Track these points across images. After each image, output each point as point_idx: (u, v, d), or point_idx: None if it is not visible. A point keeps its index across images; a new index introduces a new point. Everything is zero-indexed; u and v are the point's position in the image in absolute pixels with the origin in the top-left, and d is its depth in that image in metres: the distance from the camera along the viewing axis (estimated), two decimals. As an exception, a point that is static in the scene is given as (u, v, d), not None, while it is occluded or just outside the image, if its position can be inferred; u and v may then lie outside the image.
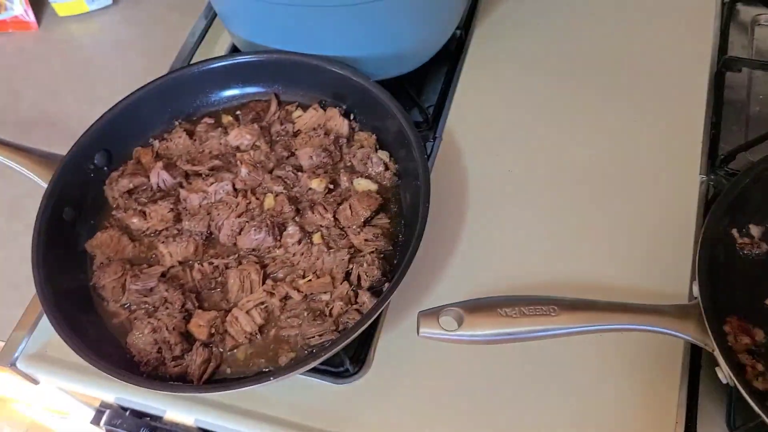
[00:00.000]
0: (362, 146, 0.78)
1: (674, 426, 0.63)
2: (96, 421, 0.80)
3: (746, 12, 0.90)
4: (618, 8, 0.92)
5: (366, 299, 0.67)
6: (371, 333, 0.71)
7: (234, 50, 0.95)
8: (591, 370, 0.67)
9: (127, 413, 0.78)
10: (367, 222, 0.73)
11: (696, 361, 0.66)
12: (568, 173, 0.80)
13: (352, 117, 0.81)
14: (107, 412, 0.77)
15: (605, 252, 0.74)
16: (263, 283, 0.70)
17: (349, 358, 0.69)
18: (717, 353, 0.57)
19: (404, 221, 0.74)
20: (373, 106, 0.78)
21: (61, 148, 0.79)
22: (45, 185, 0.75)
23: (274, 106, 0.83)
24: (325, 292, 0.69)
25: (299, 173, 0.77)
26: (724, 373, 0.57)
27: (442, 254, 0.76)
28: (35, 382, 0.76)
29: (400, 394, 0.68)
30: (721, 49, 0.85)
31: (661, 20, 0.90)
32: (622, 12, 0.92)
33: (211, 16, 1.00)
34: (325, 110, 0.81)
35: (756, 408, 0.54)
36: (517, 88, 0.87)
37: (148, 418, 0.78)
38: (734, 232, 0.68)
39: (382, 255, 0.71)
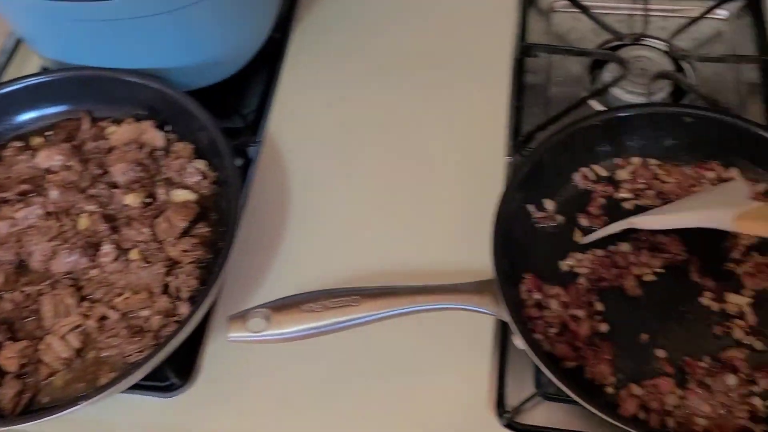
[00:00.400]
0: (179, 157, 0.78)
1: (487, 394, 0.67)
2: None
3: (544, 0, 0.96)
4: (428, 1, 0.96)
5: (185, 309, 0.67)
6: (197, 342, 0.71)
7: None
8: (415, 352, 0.70)
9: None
10: (185, 232, 0.73)
11: (505, 331, 0.70)
12: (387, 166, 0.82)
13: (168, 129, 0.81)
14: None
15: (424, 238, 0.77)
16: (79, 306, 0.69)
17: (175, 370, 0.68)
18: (510, 323, 0.61)
19: (224, 228, 0.74)
20: (185, 117, 0.77)
21: None
22: None
23: (86, 124, 0.81)
24: (144, 308, 0.68)
25: (114, 190, 0.75)
26: (520, 341, 0.61)
27: (267, 256, 0.77)
28: None
29: (232, 400, 0.69)
30: (520, 36, 0.90)
31: (467, 11, 0.94)
32: (432, 4, 0.96)
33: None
34: (139, 124, 0.80)
35: (548, 373, 0.58)
36: (337, 86, 0.89)
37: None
38: (530, 207, 0.72)
39: (203, 264, 0.71)
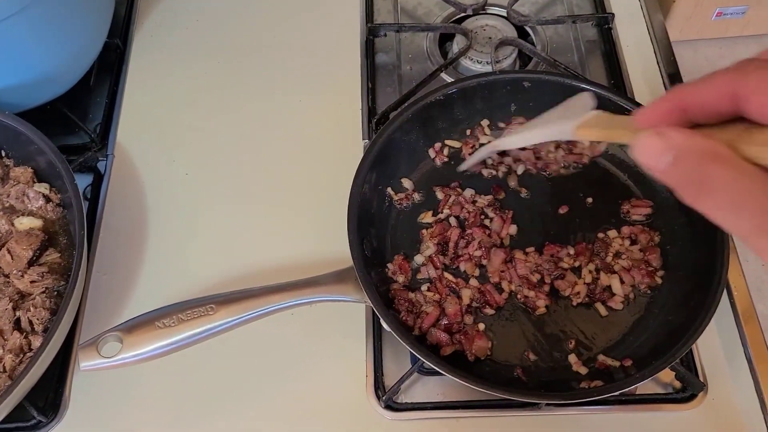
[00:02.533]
0: (18, 182, 0.73)
1: (365, 378, 0.67)
2: None
3: (386, -22, 0.96)
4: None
5: (39, 343, 0.64)
6: (63, 374, 0.68)
7: None
8: (292, 346, 0.70)
9: None
10: (32, 262, 0.69)
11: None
12: (245, 163, 0.81)
13: (3, 154, 0.76)
14: None
15: (289, 233, 0.76)
16: (-76, 356, 0.64)
17: (38, 407, 0.65)
18: (373, 307, 0.61)
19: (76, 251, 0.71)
20: (19, 139, 0.73)
21: None
22: None
23: None
24: (-5, 348, 0.64)
25: (-50, 227, 0.70)
26: (384, 323, 0.61)
27: (129, 274, 0.74)
28: None
29: (107, 427, 0.66)
30: (367, 17, 0.90)
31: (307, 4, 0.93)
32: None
33: None
34: (-31, 153, 0.75)
35: (417, 352, 0.59)
36: (184, 88, 0.87)
37: None
38: (389, 189, 0.72)
39: (56, 292, 0.68)
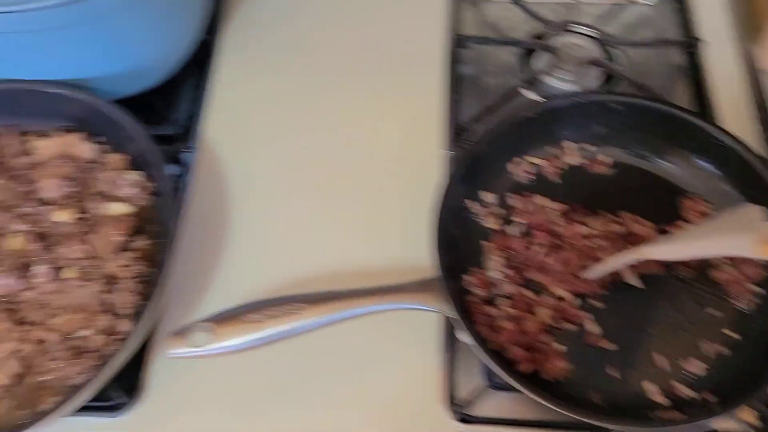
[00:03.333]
0: (111, 169, 0.76)
1: (438, 389, 0.68)
2: None
3: (475, -10, 0.96)
4: (359, -2, 0.96)
5: (126, 327, 0.66)
6: (140, 359, 0.70)
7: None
8: (365, 351, 0.70)
9: None
10: (123, 247, 0.71)
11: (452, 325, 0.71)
12: (327, 166, 0.82)
13: (99, 140, 0.78)
14: None
15: (366, 237, 0.77)
16: (16, 330, 0.66)
17: (120, 388, 0.67)
18: (456, 319, 0.62)
19: (166, 240, 0.73)
20: (115, 126, 0.75)
21: None
22: None
23: (8, 139, 0.78)
24: (84, 328, 0.66)
25: (44, 207, 0.73)
26: (466, 336, 0.62)
27: (211, 266, 0.75)
28: None
29: (181, 415, 0.68)
30: (453, 28, 0.91)
31: (399, 3, 0.94)
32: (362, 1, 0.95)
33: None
34: (66, 136, 0.77)
35: (494, 367, 0.59)
36: (272, 87, 0.88)
37: None
38: (470, 201, 0.73)
39: (144, 279, 0.70)
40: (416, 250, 0.74)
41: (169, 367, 0.70)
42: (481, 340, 0.62)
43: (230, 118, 0.86)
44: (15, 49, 0.74)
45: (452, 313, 0.62)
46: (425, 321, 0.71)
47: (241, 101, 0.87)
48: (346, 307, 0.60)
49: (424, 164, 0.81)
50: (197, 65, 0.89)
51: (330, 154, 0.83)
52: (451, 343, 0.70)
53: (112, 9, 0.71)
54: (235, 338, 0.58)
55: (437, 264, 0.64)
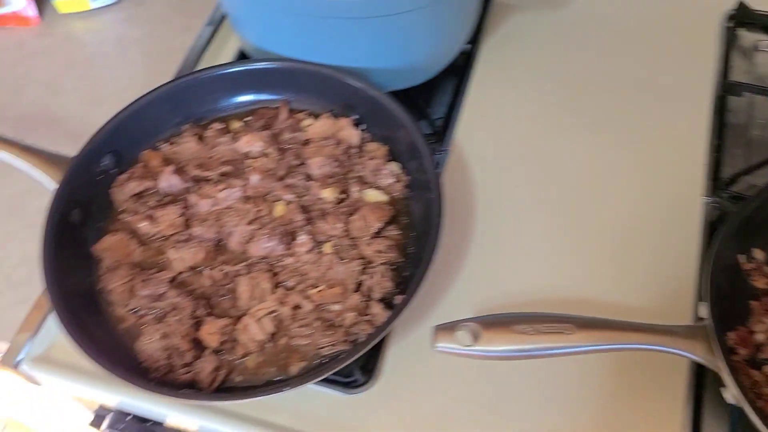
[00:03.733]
0: (373, 157, 0.79)
1: (679, 443, 0.64)
2: (95, 424, 0.79)
3: (747, 38, 0.92)
4: (623, 29, 0.94)
5: (378, 311, 0.68)
6: (380, 344, 0.71)
7: (241, 57, 0.94)
8: (596, 388, 0.68)
9: (128, 418, 0.77)
10: (378, 233, 0.73)
11: (700, 380, 0.67)
12: (575, 190, 0.81)
13: (362, 127, 0.82)
14: (109, 415, 0.77)
15: (609, 271, 0.75)
16: (274, 291, 0.70)
17: (359, 368, 0.69)
18: (725, 374, 0.59)
19: (414, 233, 0.75)
20: (384, 117, 0.78)
21: (63, 146, 0.79)
22: (52, 186, 0.74)
23: (284, 114, 0.83)
24: (336, 303, 0.69)
25: (310, 182, 0.77)
26: (732, 393, 0.58)
27: (449, 267, 0.76)
28: (37, 383, 0.75)
29: (407, 406, 0.69)
30: (722, 73, 0.87)
31: (668, 44, 0.92)
32: (628, 33, 0.94)
33: (217, 22, 1.00)
34: (336, 120, 0.81)
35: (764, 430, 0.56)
36: (526, 102, 0.89)
37: (150, 423, 0.77)
38: (739, 255, 0.69)
39: (393, 267, 0.72)
40: (664, 294, 0.72)
41: (405, 356, 0.71)
42: (752, 402, 0.58)
43: (482, 127, 0.87)
44: (303, 31, 0.79)
45: (723, 368, 0.59)
46: (672, 366, 0.68)
47: (494, 112, 0.88)
48: (615, 339, 0.59)
49: (680, 208, 0.78)
50: (455, 71, 0.91)
51: (579, 181, 0.82)
52: (697, 396, 0.66)
53: (408, 8, 0.74)
54: (501, 345, 0.58)
55: (709, 314, 0.61)
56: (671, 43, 0.92)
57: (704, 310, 0.62)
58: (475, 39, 0.94)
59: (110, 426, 0.76)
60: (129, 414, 0.77)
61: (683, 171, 0.81)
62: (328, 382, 0.69)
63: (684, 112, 0.85)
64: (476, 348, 0.58)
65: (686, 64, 0.89)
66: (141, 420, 0.77)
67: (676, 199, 0.79)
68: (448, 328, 0.59)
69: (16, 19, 1.05)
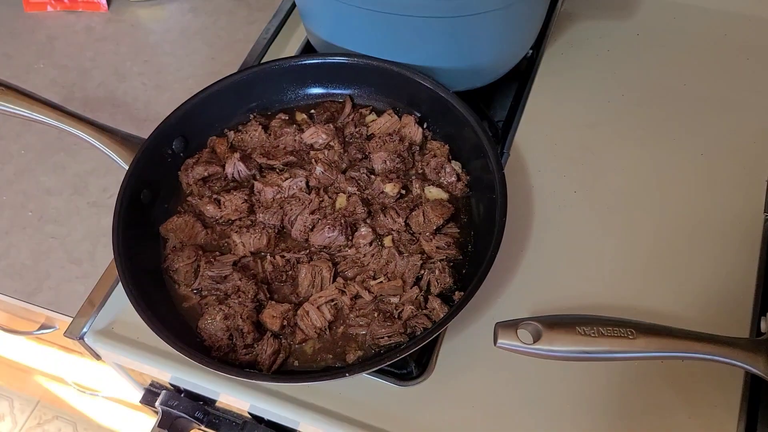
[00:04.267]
0: (435, 155, 0.80)
1: (733, 457, 0.64)
2: (148, 401, 0.81)
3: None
4: (688, 41, 0.94)
5: (436, 305, 0.69)
6: (435, 338, 0.72)
7: (306, 50, 0.96)
8: (649, 395, 0.69)
9: (182, 395, 0.79)
10: (438, 230, 0.74)
11: (754, 394, 0.67)
12: (632, 200, 0.81)
13: (425, 125, 0.83)
14: (163, 392, 0.79)
15: (664, 280, 0.75)
16: (334, 280, 0.72)
17: (413, 360, 0.70)
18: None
19: (474, 232, 0.75)
20: (448, 116, 0.79)
21: (128, 129, 0.81)
22: (124, 165, 0.76)
23: (348, 108, 0.84)
24: (394, 295, 0.70)
25: (372, 176, 0.78)
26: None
27: (505, 267, 0.77)
28: (97, 357, 0.77)
29: (458, 401, 0.70)
30: (788, 92, 0.87)
31: (730, 57, 0.92)
32: (692, 45, 0.94)
33: (284, 15, 1.02)
34: (399, 117, 0.82)
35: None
36: (586, 110, 0.89)
37: (202, 402, 0.79)
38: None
39: (451, 263, 0.73)
40: (722, 306, 0.72)
41: (458, 351, 0.72)
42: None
43: (542, 132, 0.87)
44: (371, 28, 0.80)
45: (783, 383, 0.59)
46: (727, 381, 0.68)
47: (554, 118, 0.88)
48: (677, 347, 0.59)
49: (740, 223, 0.78)
50: (517, 75, 0.92)
51: (637, 191, 0.82)
52: (751, 410, 0.66)
53: (490, 9, 0.75)
54: (563, 345, 0.59)
55: (772, 328, 0.61)
56: (736, 57, 0.92)
57: (766, 325, 0.62)
58: (538, 45, 0.94)
59: (163, 402, 0.78)
60: (182, 391, 0.79)
61: (745, 187, 0.81)
62: (382, 372, 0.70)
63: (746, 128, 0.85)
64: (538, 347, 0.59)
65: (752, 79, 0.89)
66: (193, 398, 0.79)
67: (737, 214, 0.79)
68: (510, 326, 0.60)
69: (86, 3, 1.08)
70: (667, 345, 0.59)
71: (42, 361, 1.27)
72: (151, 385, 0.84)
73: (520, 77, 0.92)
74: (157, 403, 0.78)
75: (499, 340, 0.60)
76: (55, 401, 1.54)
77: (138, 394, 0.84)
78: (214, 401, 0.79)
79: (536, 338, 0.59)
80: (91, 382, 1.21)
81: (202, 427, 0.80)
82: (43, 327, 0.98)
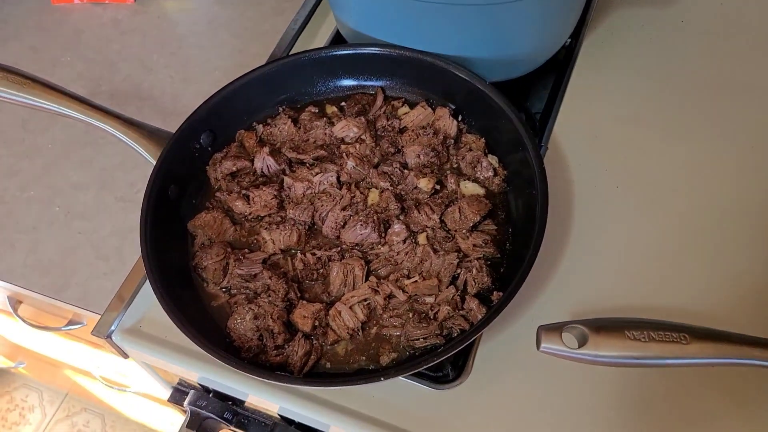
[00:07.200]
0: (471, 149, 0.77)
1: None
2: (176, 399, 0.80)
3: None
4: (732, 29, 0.90)
5: (474, 306, 0.66)
6: (472, 343, 0.69)
7: (336, 41, 0.94)
8: (701, 402, 0.65)
9: (210, 395, 0.77)
10: (474, 227, 0.71)
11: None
12: (678, 195, 0.78)
13: (460, 118, 0.80)
14: (191, 392, 0.77)
15: (716, 281, 0.72)
16: (366, 279, 0.69)
17: (449, 363, 0.67)
18: None
19: (512, 229, 0.72)
20: (484, 108, 0.76)
21: (153, 122, 0.79)
22: (151, 160, 0.74)
23: (380, 101, 0.81)
24: (430, 295, 0.68)
25: (405, 171, 0.76)
26: None
27: (545, 266, 0.74)
28: (124, 355, 0.76)
29: (497, 406, 0.67)
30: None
31: None
32: (736, 34, 0.89)
33: (313, 5, 0.99)
34: (433, 109, 0.79)
35: None
36: (627, 101, 0.85)
37: (230, 402, 0.77)
38: None
39: (488, 262, 0.70)
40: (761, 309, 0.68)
41: (496, 353, 0.69)
42: None
43: (581, 124, 0.84)
44: (403, 17, 0.77)
45: None
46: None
47: (594, 110, 0.85)
48: (733, 353, 0.55)
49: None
50: (555, 66, 0.88)
51: (682, 186, 0.78)
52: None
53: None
54: (610, 350, 0.55)
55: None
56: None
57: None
58: (576, 34, 0.90)
59: (191, 402, 0.76)
60: (210, 391, 0.77)
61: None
62: (417, 375, 0.68)
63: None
64: (584, 352, 0.56)
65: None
66: (222, 398, 0.77)
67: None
68: (554, 330, 0.57)
69: (113, -5, 1.06)
70: (722, 351, 0.56)
71: (70, 356, 1.26)
72: (179, 383, 0.82)
73: (558, 67, 0.88)
74: (185, 403, 0.76)
75: (543, 345, 0.57)
76: (83, 394, 1.55)
77: (166, 392, 0.83)
78: (242, 401, 0.77)
79: (582, 343, 0.56)
80: (120, 377, 1.21)
81: (231, 427, 0.79)
82: (71, 323, 0.97)
